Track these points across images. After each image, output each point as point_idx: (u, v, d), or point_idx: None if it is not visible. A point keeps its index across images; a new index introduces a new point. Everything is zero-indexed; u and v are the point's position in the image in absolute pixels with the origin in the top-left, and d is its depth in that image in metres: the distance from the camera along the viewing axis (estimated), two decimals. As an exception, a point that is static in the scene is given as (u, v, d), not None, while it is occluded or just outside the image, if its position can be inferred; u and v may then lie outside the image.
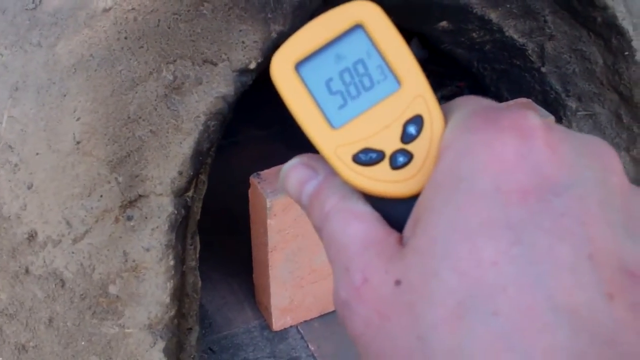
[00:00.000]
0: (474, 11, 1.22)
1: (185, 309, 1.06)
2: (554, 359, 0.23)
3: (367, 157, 0.30)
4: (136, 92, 0.94)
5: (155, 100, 0.95)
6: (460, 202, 0.26)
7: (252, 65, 0.96)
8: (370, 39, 0.31)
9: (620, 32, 1.19)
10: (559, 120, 1.31)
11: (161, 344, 0.98)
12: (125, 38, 0.96)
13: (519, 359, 0.23)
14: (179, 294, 1.00)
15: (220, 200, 1.29)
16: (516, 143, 0.26)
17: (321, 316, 1.19)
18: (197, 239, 1.08)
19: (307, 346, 1.14)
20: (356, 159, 0.30)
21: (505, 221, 0.25)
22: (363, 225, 0.29)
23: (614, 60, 1.22)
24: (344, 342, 1.14)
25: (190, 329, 1.09)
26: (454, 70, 1.46)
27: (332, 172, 0.31)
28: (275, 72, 0.31)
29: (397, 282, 0.26)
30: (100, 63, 0.95)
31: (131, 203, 0.95)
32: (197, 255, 1.09)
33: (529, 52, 1.28)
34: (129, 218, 0.96)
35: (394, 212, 0.29)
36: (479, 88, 1.42)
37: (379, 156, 0.30)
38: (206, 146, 0.97)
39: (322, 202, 0.31)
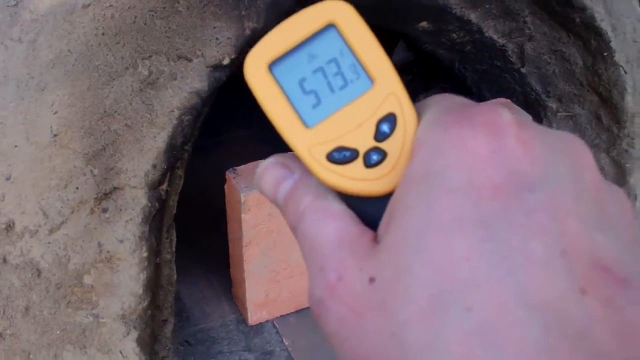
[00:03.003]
0: (453, 11, 1.23)
1: (160, 300, 1.08)
2: (526, 354, 0.23)
3: (341, 156, 0.30)
4: (112, 87, 0.96)
5: (131, 94, 0.97)
6: (432, 198, 0.26)
7: (226, 61, 0.98)
8: (343, 38, 0.31)
9: (598, 33, 1.20)
10: (539, 121, 1.32)
11: (134, 334, 1.00)
12: (103, 34, 0.98)
13: (491, 354, 0.23)
14: (153, 286, 1.01)
15: (203, 197, 1.31)
16: (488, 139, 0.27)
17: (297, 311, 1.20)
18: (174, 232, 1.10)
19: (282, 340, 1.15)
20: (330, 157, 0.31)
21: (478, 217, 0.25)
22: (337, 224, 0.29)
23: (593, 62, 1.23)
24: (318, 337, 1.15)
25: (165, 320, 1.11)
26: (439, 72, 1.48)
27: (308, 172, 0.31)
28: (249, 72, 0.32)
29: (371, 280, 0.26)
30: (78, 58, 0.97)
31: (106, 195, 0.97)
32: (173, 249, 1.11)
33: (509, 52, 1.29)
34: (104, 210, 0.98)
35: (369, 210, 0.30)
36: (463, 89, 1.44)
37: (353, 154, 0.30)
38: (180, 140, 0.99)
39: (297, 202, 0.31)
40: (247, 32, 0.99)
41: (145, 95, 0.97)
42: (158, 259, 1.01)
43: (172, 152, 0.98)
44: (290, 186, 0.32)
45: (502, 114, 0.27)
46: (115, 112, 0.97)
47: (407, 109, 0.30)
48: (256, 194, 1.06)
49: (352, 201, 0.30)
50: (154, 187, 0.98)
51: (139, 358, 1.00)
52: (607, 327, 0.24)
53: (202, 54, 0.98)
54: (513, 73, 1.31)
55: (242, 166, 1.10)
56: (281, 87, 0.32)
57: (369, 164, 0.30)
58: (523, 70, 1.30)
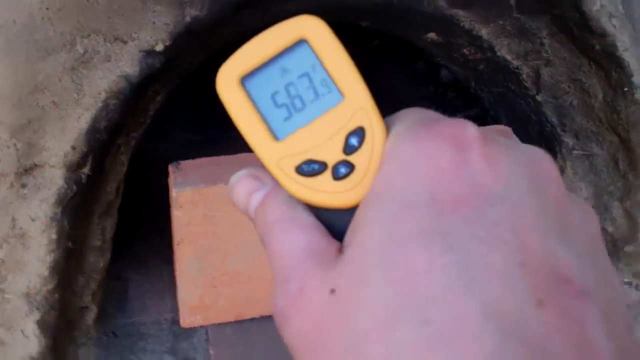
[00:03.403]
0: (461, 24, 1.11)
1: (79, 287, 1.05)
2: None
3: (309, 168, 0.31)
4: (47, 62, 0.94)
5: (62, 72, 0.94)
6: (395, 211, 0.27)
7: (159, 48, 0.93)
8: (315, 53, 0.32)
9: (620, 65, 1.03)
10: (554, 157, 1.16)
11: (36, 315, 0.98)
12: (47, 8, 0.95)
13: None
14: (64, 270, 0.98)
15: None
16: (453, 153, 0.27)
17: (237, 322, 1.13)
18: (109, 220, 1.07)
19: (208, 349, 1.09)
20: (299, 170, 0.31)
21: (439, 230, 0.25)
22: (304, 236, 0.30)
23: (613, 96, 1.06)
24: (248, 352, 1.09)
25: (86, 308, 1.08)
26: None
27: (279, 184, 0.32)
28: (220, 85, 0.32)
29: (332, 291, 0.27)
30: (20, 29, 0.96)
31: (26, 171, 0.95)
32: (107, 237, 1.08)
33: (524, 76, 1.14)
34: (23, 185, 0.96)
35: (337, 222, 0.30)
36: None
37: (322, 167, 0.31)
38: (104, 124, 0.95)
39: (267, 213, 0.32)
40: (188, 19, 0.94)
41: (77, 74, 0.94)
42: (70, 243, 0.98)
43: (95, 135, 0.95)
44: (261, 198, 0.32)
45: (468, 128, 0.28)
46: (46, 88, 0.94)
47: (376, 123, 0.31)
48: (190, 192, 1.00)
49: (320, 213, 0.31)
50: (72, 169, 0.95)
51: (38, 340, 0.98)
52: (564, 339, 0.24)
53: (138, 37, 0.94)
54: (528, 99, 1.17)
55: (188, 161, 1.05)
56: (253, 101, 0.32)
57: (337, 177, 0.31)
58: (538, 98, 1.15)
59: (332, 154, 0.31)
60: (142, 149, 1.12)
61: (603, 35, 1.02)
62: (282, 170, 0.31)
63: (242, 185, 0.33)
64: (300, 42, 0.32)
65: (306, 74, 0.32)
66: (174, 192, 1.00)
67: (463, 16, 1.10)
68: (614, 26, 1.01)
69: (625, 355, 0.25)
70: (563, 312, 0.24)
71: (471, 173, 0.27)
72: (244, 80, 0.32)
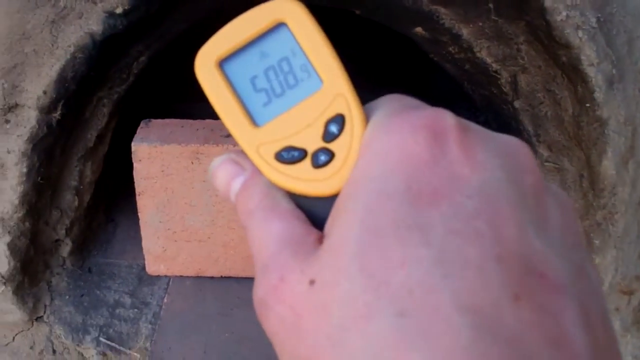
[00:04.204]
0: (441, 21, 1.09)
1: (52, 221, 1.16)
2: (456, 359, 0.23)
3: (289, 156, 0.30)
4: (35, 14, 1.05)
5: (44, 23, 1.04)
6: (372, 202, 0.26)
7: (118, 10, 1.00)
8: (295, 37, 0.31)
9: (584, 79, 0.97)
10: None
11: (7, 238, 1.10)
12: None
13: (422, 359, 0.23)
14: (31, 200, 1.10)
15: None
16: (429, 144, 0.27)
17: (197, 277, 1.20)
18: (91, 166, 1.17)
19: (163, 297, 1.16)
20: (279, 157, 0.31)
21: (415, 222, 0.25)
22: (283, 224, 0.29)
23: (580, 111, 1.00)
24: (198, 305, 1.15)
25: (60, 241, 1.19)
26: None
27: (259, 170, 0.31)
28: (199, 69, 0.32)
29: (311, 282, 0.27)
30: (21, -19, 1.07)
31: (10, 109, 1.07)
32: (87, 180, 1.18)
33: (502, 81, 1.11)
34: (7, 121, 1.08)
35: (317, 210, 0.30)
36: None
37: (301, 154, 0.30)
38: (70, 75, 1.04)
39: (247, 200, 0.31)
40: (149, -14, 1.00)
41: (55, 27, 1.04)
42: (40, 178, 1.09)
43: (63, 84, 1.04)
44: (241, 184, 0.32)
45: (446, 118, 0.28)
46: (31, 37, 1.05)
47: (355, 110, 0.30)
48: (147, 147, 1.08)
49: (300, 201, 0.30)
50: (43, 111, 1.05)
51: (8, 261, 1.10)
52: (539, 334, 0.24)
53: (107, -1, 1.01)
54: (508, 105, 1.13)
55: (158, 120, 1.12)
56: (232, 85, 0.32)
57: (317, 164, 0.30)
58: (516, 104, 1.10)
59: (312, 141, 0.30)
60: (168, 109, 1.19)
61: (567, 46, 0.96)
62: (262, 157, 0.31)
63: (222, 171, 0.32)
64: (280, 25, 0.31)
65: (285, 59, 0.31)
66: (133, 146, 1.08)
67: (444, 13, 1.09)
68: (580, 39, 0.95)
69: (602, 349, 0.25)
70: (539, 307, 0.24)
71: (448, 163, 0.26)
72: (223, 63, 0.32)
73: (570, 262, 0.26)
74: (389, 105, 0.30)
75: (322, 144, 0.30)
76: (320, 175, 0.30)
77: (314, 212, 0.30)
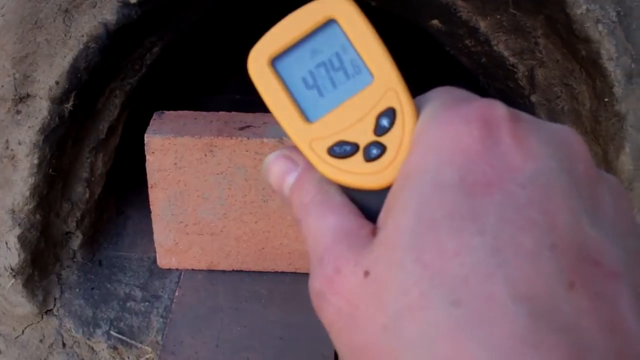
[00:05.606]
0: (459, 14, 1.08)
1: (63, 212, 1.15)
2: (512, 347, 0.23)
3: (341, 150, 0.31)
4: (47, 2, 1.04)
5: (57, 12, 1.03)
6: (425, 194, 0.27)
7: (133, 0, 0.99)
8: (345, 33, 0.32)
9: (602, 74, 0.95)
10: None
11: (18, 230, 1.09)
12: (58, -47, 1.05)
13: (478, 347, 0.23)
14: (42, 192, 1.08)
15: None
16: (482, 134, 0.27)
17: (209, 271, 1.19)
18: (103, 157, 1.16)
19: (174, 290, 1.15)
20: (331, 151, 0.31)
21: (469, 213, 0.26)
22: (337, 218, 0.30)
23: (597, 106, 0.99)
24: (209, 299, 1.14)
25: (70, 233, 1.18)
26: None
27: (311, 165, 0.32)
28: (252, 67, 0.32)
29: (366, 274, 0.27)
30: (33, -30, 1.06)
31: (21, 99, 1.06)
32: (99, 172, 1.17)
33: (519, 75, 1.09)
34: (18, 112, 1.07)
35: (369, 203, 0.30)
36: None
37: (353, 149, 0.31)
38: (83, 65, 1.03)
39: (300, 195, 0.32)
40: (164, -23, 0.99)
41: (68, 16, 1.03)
42: (51, 170, 1.08)
43: (76, 75, 1.03)
44: (295, 179, 0.33)
45: (497, 108, 0.28)
46: (43, 26, 1.04)
47: (406, 103, 0.31)
48: (160, 139, 1.06)
49: (353, 194, 0.31)
50: (55, 102, 1.04)
51: (18, 253, 1.09)
52: (595, 321, 0.24)
53: (122, -11, 1.00)
54: (524, 99, 1.11)
55: (171, 111, 1.11)
56: (284, 82, 0.32)
57: (368, 158, 0.31)
58: (533, 99, 1.09)
59: (364, 135, 0.31)
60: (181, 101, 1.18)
61: (587, 40, 0.95)
62: (315, 152, 0.31)
63: (276, 166, 0.33)
64: (330, 22, 0.32)
65: (336, 55, 0.32)
66: (146, 138, 1.07)
67: (461, 5, 1.08)
68: (600, 33, 0.94)
69: None
70: (594, 294, 0.24)
71: (500, 154, 0.27)
72: (275, 61, 0.32)
73: (625, 249, 0.26)
74: (440, 97, 0.30)
75: (374, 138, 0.30)
76: (373, 169, 0.30)
77: (367, 205, 0.30)
